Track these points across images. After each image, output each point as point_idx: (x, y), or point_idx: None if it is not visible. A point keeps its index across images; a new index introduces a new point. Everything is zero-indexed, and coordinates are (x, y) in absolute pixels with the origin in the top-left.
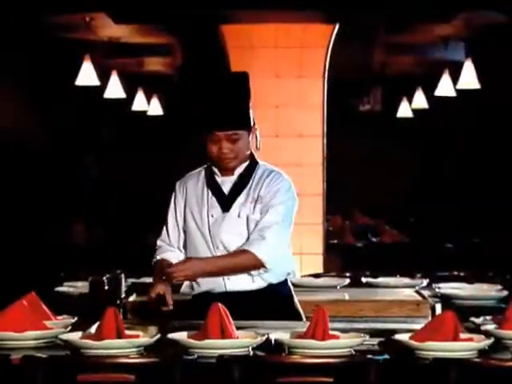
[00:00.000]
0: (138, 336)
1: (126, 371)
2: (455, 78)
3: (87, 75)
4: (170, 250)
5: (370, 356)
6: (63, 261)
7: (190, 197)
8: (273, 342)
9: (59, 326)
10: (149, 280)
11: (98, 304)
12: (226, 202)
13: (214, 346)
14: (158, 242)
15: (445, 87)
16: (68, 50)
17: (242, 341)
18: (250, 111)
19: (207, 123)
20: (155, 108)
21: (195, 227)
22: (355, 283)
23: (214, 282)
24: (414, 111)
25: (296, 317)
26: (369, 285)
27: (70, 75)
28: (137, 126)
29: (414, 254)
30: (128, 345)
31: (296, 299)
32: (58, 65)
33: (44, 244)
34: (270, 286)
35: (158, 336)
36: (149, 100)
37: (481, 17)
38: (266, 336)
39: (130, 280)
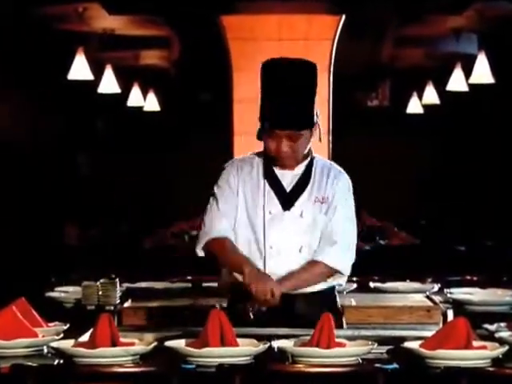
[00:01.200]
0: (133, 344)
1: (121, 381)
2: (468, 72)
3: (80, 69)
4: (225, 228)
5: (378, 365)
6: (55, 264)
7: (246, 184)
8: (275, 350)
9: (50, 334)
10: (144, 284)
11: (92, 310)
12: (287, 200)
13: (214, 355)
14: (207, 221)
15: (457, 81)
16: (60, 42)
17: (243, 349)
18: (315, 108)
19: (269, 120)
20: (152, 103)
21: (246, 221)
22: (362, 288)
23: None
24: (425, 107)
25: (337, 322)
26: (377, 290)
27: (62, 69)
28: (132, 123)
29: (425, 258)
30: (123, 353)
31: (339, 304)
32: (49, 58)
33: (35, 247)
34: (317, 293)
35: (155, 344)
36: (145, 95)
37: (494, 8)
38: (269, 344)
39: (125, 285)
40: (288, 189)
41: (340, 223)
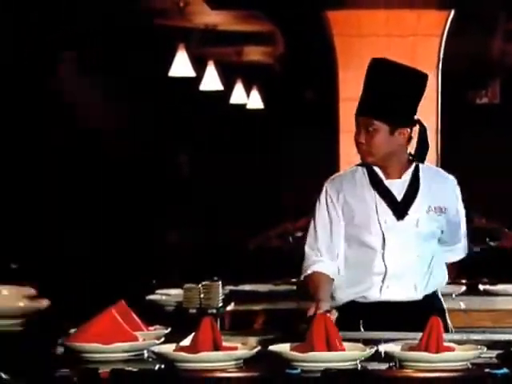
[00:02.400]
0: (236, 348)
1: None
2: None
3: (181, 66)
4: (319, 260)
5: (487, 370)
6: (155, 266)
7: (349, 200)
8: (383, 354)
9: (151, 338)
10: (248, 287)
11: (193, 313)
12: (401, 209)
13: (320, 359)
14: (306, 249)
15: None
16: (160, 38)
17: (349, 353)
18: (411, 110)
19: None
20: (255, 101)
21: (358, 234)
22: (472, 291)
23: (368, 290)
24: None
25: (445, 330)
26: (487, 293)
27: (162, 66)
28: (235, 120)
29: None
30: (226, 358)
31: (447, 312)
32: (149, 55)
33: (133, 249)
34: (425, 298)
35: (258, 348)
36: (248, 92)
37: None
38: (375, 348)
39: (228, 287)
40: (399, 198)
41: (463, 221)
